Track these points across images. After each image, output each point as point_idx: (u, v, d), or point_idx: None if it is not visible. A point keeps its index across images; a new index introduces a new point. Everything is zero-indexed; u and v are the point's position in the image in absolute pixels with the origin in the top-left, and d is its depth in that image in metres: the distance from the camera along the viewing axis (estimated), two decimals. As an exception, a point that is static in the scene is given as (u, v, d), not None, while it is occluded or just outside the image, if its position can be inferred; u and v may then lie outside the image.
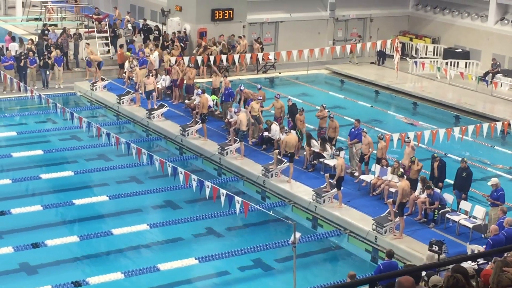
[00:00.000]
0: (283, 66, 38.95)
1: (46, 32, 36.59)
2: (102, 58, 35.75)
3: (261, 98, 27.41)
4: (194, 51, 36.83)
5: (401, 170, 21.27)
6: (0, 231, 20.85)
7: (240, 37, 38.29)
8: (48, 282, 17.83)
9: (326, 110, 26.32)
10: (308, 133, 25.18)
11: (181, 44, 36.88)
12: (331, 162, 23.83)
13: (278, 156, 23.92)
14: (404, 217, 20.14)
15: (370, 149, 23.50)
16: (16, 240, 19.90)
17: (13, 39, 35.54)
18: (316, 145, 24.66)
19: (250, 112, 26.58)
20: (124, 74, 34.36)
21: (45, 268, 19.10)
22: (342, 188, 21.85)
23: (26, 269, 19.03)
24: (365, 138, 23.58)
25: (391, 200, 20.64)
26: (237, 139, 25.87)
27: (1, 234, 20.74)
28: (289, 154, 23.63)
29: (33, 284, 17.77)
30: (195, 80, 31.53)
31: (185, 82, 31.42)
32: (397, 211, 20.01)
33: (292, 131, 25.03)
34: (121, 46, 36.20)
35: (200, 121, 27.36)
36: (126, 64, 33.75)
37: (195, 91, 29.19)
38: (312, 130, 26.48)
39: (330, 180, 22.21)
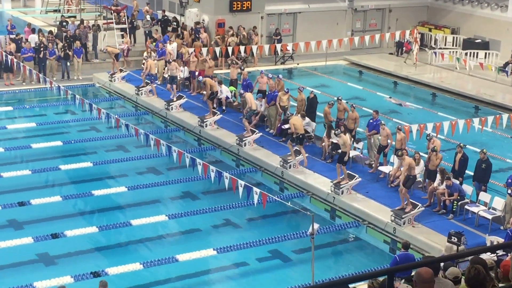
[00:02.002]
0: (301, 57, 38.86)
1: (65, 23, 36.71)
2: (119, 49, 35.82)
3: (287, 90, 27.32)
4: (212, 42, 36.82)
5: (402, 151, 21.19)
6: (20, 221, 21.01)
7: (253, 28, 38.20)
8: (68, 272, 17.93)
9: (344, 101, 26.27)
10: (330, 124, 25.12)
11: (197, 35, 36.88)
12: (351, 153, 23.74)
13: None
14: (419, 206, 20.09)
15: (389, 141, 23.42)
16: (36, 231, 20.03)
17: (32, 30, 35.68)
18: (335, 137, 24.61)
19: (279, 103, 26.61)
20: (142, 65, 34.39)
21: (65, 259, 19.21)
22: (345, 164, 22.32)
23: (45, 260, 19.15)
24: (384, 130, 23.49)
25: (402, 187, 20.59)
26: (255, 130, 25.92)
27: (21, 224, 20.88)
28: (300, 136, 23.65)
29: (52, 275, 17.87)
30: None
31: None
32: (404, 185, 20.13)
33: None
34: (152, 38, 36.08)
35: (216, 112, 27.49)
36: (145, 55, 33.79)
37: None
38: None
39: (347, 172, 22.21)
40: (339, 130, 23.12)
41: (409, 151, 22.77)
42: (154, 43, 34.77)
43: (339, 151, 24.21)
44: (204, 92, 28.65)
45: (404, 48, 39.34)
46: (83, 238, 19.94)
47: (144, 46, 36.69)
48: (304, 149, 24.24)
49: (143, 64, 32.53)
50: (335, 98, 26.43)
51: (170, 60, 31.29)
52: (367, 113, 28.36)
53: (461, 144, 22.29)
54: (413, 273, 8.81)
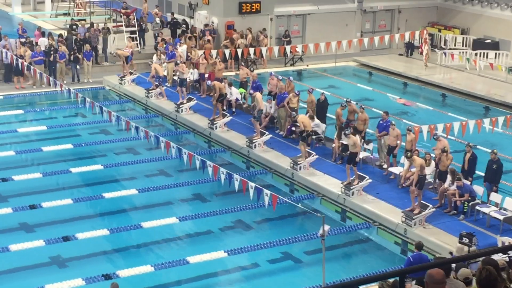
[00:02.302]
0: (311, 58, 38.85)
1: (74, 27, 36.83)
2: (129, 52, 35.86)
3: (298, 92, 27.29)
4: (222, 45, 36.87)
5: (412, 153, 21.14)
6: (31, 224, 21.08)
7: (262, 31, 38.24)
8: (79, 275, 17.99)
9: (354, 103, 26.26)
10: (341, 125, 25.08)
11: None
12: (361, 154, 23.70)
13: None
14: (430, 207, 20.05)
15: (398, 142, 23.38)
16: (47, 234, 20.10)
17: (42, 34, 35.81)
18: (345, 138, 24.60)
19: (288, 104, 26.60)
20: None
21: (76, 261, 19.26)
22: (357, 164, 22.51)
23: (57, 262, 19.21)
24: (394, 130, 23.47)
25: (413, 188, 20.56)
26: (265, 132, 25.95)
27: (32, 227, 20.96)
28: (305, 134, 23.69)
29: (64, 277, 17.92)
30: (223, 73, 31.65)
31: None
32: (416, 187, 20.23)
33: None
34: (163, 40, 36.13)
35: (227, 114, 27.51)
36: (154, 58, 33.86)
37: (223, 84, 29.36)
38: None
39: (358, 173, 22.20)
40: (348, 130, 23.13)
41: (420, 152, 22.72)
42: (164, 45, 34.82)
43: (349, 152, 24.26)
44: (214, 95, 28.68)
45: (420, 50, 38.71)
46: (94, 240, 19.99)
47: (153, 49, 36.76)
48: (315, 151, 24.26)
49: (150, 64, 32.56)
50: (345, 100, 26.42)
51: (179, 62, 31.33)
52: (377, 114, 28.32)
53: (470, 144, 22.23)
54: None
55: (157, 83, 31.54)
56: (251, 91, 27.20)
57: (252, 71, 30.58)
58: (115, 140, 27.64)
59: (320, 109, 26.72)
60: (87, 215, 22.05)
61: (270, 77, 29.13)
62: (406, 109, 32.39)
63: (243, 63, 33.37)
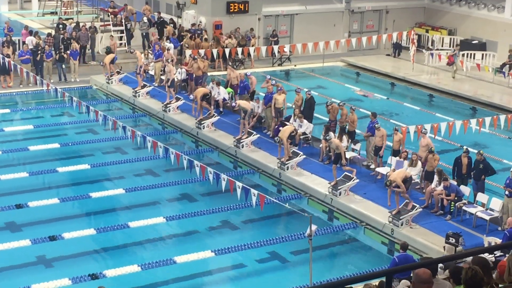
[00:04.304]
0: (299, 58, 38.88)
1: (60, 26, 36.58)
2: (116, 51, 35.71)
3: (281, 88, 27.24)
4: (210, 44, 36.80)
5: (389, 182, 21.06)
6: (18, 224, 20.99)
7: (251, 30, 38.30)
8: (66, 274, 17.92)
9: (342, 103, 26.31)
10: (328, 125, 25.10)
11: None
12: (348, 154, 23.76)
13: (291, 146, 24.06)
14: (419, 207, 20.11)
15: (383, 141, 23.44)
16: (34, 233, 20.00)
17: (30, 33, 35.64)
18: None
19: (274, 105, 26.59)
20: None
21: (62, 261, 19.18)
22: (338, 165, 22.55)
23: (43, 262, 19.13)
24: (379, 130, 23.53)
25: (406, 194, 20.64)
26: (252, 132, 25.95)
27: (19, 227, 20.87)
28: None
29: (50, 277, 17.85)
30: (209, 73, 31.60)
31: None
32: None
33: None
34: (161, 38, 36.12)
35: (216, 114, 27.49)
36: (142, 57, 33.76)
37: (211, 84, 29.38)
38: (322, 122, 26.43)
39: (347, 173, 22.24)
40: (329, 135, 23.24)
41: (409, 153, 22.79)
42: (167, 41, 34.74)
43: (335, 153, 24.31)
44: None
45: (447, 61, 37.68)
46: (81, 240, 19.92)
47: (140, 47, 36.69)
48: (302, 151, 24.32)
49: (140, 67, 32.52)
50: (330, 100, 26.50)
51: (169, 61, 31.30)
52: (364, 114, 28.40)
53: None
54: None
55: (145, 83, 31.49)
56: (234, 104, 27.01)
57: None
58: (102, 139, 27.56)
59: (307, 108, 26.74)
60: (74, 215, 21.97)
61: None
62: (394, 109, 32.45)
63: (230, 64, 33.39)
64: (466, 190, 21.35)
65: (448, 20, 42.75)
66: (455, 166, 22.16)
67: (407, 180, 20.65)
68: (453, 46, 39.03)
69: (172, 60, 32.74)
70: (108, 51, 34.01)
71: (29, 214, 21.36)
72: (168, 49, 33.22)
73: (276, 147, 24.70)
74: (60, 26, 36.57)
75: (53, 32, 36.02)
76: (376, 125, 23.67)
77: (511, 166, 24.47)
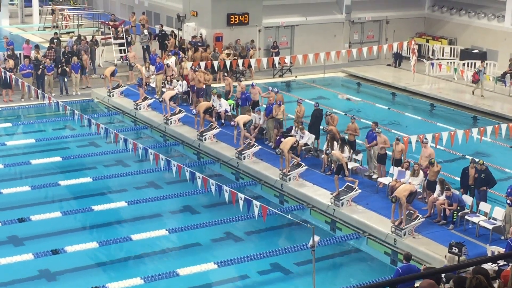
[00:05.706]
0: (300, 69, 38.93)
1: (56, 40, 36.37)
2: (118, 64, 35.79)
3: (281, 102, 27.27)
4: (210, 56, 36.82)
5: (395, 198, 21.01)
6: (20, 238, 20.97)
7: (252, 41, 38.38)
8: (68, 288, 17.91)
9: (353, 117, 26.26)
10: (332, 136, 25.05)
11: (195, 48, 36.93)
12: (350, 165, 23.76)
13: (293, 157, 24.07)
14: (423, 217, 20.07)
15: (387, 145, 23.46)
16: (36, 247, 19.98)
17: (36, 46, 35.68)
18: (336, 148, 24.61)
19: (274, 116, 26.65)
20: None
21: (65, 275, 19.16)
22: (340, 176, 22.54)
23: (46, 276, 19.10)
24: (380, 137, 23.55)
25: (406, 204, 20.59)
26: (255, 143, 25.97)
27: (21, 240, 20.84)
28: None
29: (53, 291, 17.84)
30: (212, 85, 31.67)
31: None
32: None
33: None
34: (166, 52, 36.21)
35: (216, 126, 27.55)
36: (143, 70, 33.83)
37: (212, 97, 29.45)
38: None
39: (349, 183, 22.23)
40: (329, 149, 23.27)
41: (411, 163, 22.76)
42: (171, 57, 34.83)
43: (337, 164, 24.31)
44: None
45: (471, 78, 35.82)
46: (83, 253, 19.90)
47: (142, 60, 36.76)
48: (304, 162, 24.31)
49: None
50: (330, 111, 26.47)
51: (165, 82, 31.50)
52: (365, 124, 28.40)
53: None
54: (417, 284, 8.81)
55: (146, 95, 31.54)
56: (233, 122, 27.01)
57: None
58: (104, 152, 27.57)
59: (314, 120, 26.58)
60: (76, 228, 21.96)
61: (252, 87, 29.24)
62: (395, 119, 32.45)
63: (226, 74, 33.55)
64: (468, 199, 21.32)
65: (448, 30, 42.82)
66: (463, 177, 22.02)
67: (411, 194, 20.54)
68: (480, 62, 36.98)
69: (172, 74, 32.89)
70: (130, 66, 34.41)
71: (32, 228, 21.34)
72: (168, 65, 33.31)
73: (278, 157, 24.70)
74: (55, 40, 36.37)
75: (46, 46, 35.89)
76: (377, 130, 23.71)
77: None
